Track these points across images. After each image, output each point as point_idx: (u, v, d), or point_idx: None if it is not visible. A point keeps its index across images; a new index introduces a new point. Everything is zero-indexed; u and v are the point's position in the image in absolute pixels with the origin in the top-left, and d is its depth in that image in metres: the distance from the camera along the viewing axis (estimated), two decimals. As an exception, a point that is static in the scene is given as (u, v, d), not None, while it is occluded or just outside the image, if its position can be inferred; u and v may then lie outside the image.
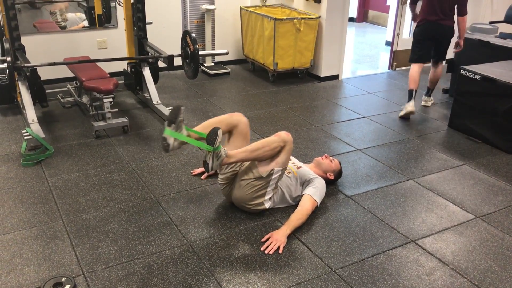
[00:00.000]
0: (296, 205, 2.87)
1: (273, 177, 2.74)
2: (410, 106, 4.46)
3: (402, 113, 4.54)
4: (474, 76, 4.07)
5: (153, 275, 2.35)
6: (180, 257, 2.50)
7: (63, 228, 2.71)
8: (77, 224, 2.75)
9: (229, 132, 2.94)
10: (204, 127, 2.79)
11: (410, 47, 6.25)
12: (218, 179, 2.97)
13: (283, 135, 2.74)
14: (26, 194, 3.06)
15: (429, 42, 4.59)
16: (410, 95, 4.53)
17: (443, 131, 4.29)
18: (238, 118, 2.94)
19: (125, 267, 2.40)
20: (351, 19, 9.20)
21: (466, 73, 4.15)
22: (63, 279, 2.28)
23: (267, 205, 2.84)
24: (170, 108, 2.67)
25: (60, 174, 3.31)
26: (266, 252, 2.53)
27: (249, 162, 2.79)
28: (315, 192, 2.87)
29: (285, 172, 2.91)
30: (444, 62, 4.84)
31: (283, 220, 2.80)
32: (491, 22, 5.90)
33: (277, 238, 2.60)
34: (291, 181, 2.93)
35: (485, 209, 3.04)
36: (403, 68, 6.35)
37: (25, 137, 3.64)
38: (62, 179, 3.24)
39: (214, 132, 2.53)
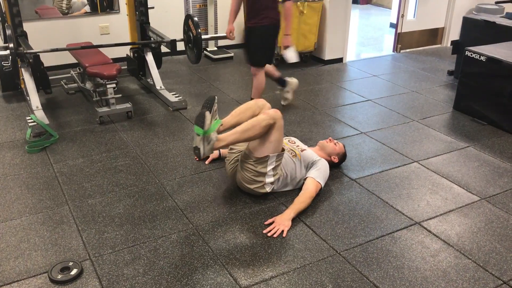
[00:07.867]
0: (300, 188, 2.87)
1: (269, 162, 2.73)
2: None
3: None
4: (480, 57, 4.03)
5: (159, 259, 2.37)
6: (185, 240, 2.51)
7: (69, 213, 2.73)
8: (83, 210, 2.77)
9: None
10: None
11: (415, 29, 6.25)
12: (225, 159, 3.01)
13: (271, 113, 2.69)
14: (32, 180, 3.08)
15: None
16: None
17: (448, 113, 4.26)
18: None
19: (131, 251, 2.42)
20: (355, 1, 9.04)
21: (471, 54, 4.11)
22: (70, 263, 2.30)
23: (268, 189, 2.83)
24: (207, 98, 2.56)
25: (65, 160, 3.32)
26: (269, 235, 2.54)
27: (247, 145, 2.79)
28: (318, 174, 2.87)
29: (290, 156, 2.92)
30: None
31: (287, 204, 2.80)
32: (497, 2, 5.83)
33: (281, 222, 2.61)
34: (295, 164, 2.92)
35: (490, 190, 3.03)
36: (408, 50, 6.30)
37: (30, 124, 3.65)
38: (67, 165, 3.26)
39: (201, 114, 2.45)
